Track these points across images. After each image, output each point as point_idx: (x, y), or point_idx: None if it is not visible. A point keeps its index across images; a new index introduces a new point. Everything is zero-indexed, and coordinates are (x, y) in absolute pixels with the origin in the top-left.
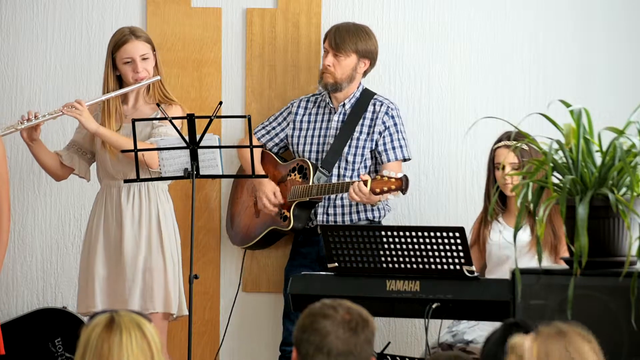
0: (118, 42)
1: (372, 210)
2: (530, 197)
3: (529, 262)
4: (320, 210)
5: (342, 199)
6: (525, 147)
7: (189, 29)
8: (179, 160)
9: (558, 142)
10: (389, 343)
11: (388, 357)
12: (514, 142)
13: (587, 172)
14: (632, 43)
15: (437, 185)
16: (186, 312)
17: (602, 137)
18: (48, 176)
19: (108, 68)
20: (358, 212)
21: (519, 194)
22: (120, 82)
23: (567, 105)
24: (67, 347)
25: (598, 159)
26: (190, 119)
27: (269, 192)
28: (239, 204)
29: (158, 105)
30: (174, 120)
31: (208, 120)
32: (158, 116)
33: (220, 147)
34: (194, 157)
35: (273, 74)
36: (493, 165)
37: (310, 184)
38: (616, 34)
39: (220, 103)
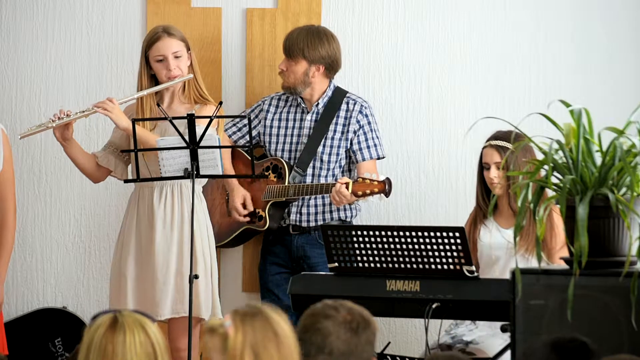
0: (151, 39)
1: (345, 210)
2: (530, 197)
3: (519, 264)
4: (293, 209)
5: (315, 198)
6: (509, 146)
7: (189, 29)
8: (179, 160)
9: (558, 142)
10: (389, 343)
11: (388, 357)
12: (499, 142)
13: (587, 172)
14: (632, 43)
15: (437, 185)
16: (220, 316)
17: (602, 137)
18: (48, 176)
19: (142, 67)
20: (331, 211)
21: (519, 195)
22: (155, 81)
23: (567, 105)
24: (67, 347)
25: (598, 159)
26: (190, 119)
27: (238, 204)
28: (209, 202)
29: (158, 105)
30: (205, 120)
31: (208, 120)
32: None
33: (220, 147)
34: (194, 157)
35: (273, 74)
36: (481, 166)
37: (286, 183)
38: (616, 34)
39: (220, 103)
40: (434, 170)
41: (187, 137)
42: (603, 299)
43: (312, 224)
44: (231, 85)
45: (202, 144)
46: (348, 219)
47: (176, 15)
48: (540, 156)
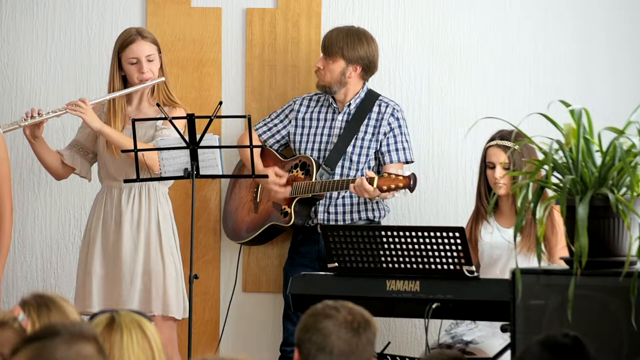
0: (124, 42)
1: (373, 210)
2: (530, 197)
3: (520, 263)
4: (320, 208)
5: (343, 197)
6: (516, 147)
7: (189, 29)
8: (179, 160)
9: (558, 142)
10: (389, 343)
11: (388, 357)
12: (505, 142)
13: (587, 172)
14: (632, 43)
15: (437, 185)
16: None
17: (602, 137)
18: (48, 176)
19: (114, 68)
20: (359, 211)
21: (519, 194)
22: (126, 82)
23: (567, 105)
24: None
25: (598, 159)
26: (190, 119)
27: (271, 174)
28: (236, 199)
29: (158, 105)
30: (175, 121)
31: (208, 120)
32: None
33: (220, 147)
34: (194, 157)
35: (273, 74)
36: (485, 164)
37: (313, 180)
38: (616, 34)
39: (220, 103)
40: (434, 170)
41: (183, 138)
42: (603, 299)
43: (340, 223)
44: (231, 85)
45: (202, 144)
46: (376, 219)
47: (176, 15)
48: (541, 157)
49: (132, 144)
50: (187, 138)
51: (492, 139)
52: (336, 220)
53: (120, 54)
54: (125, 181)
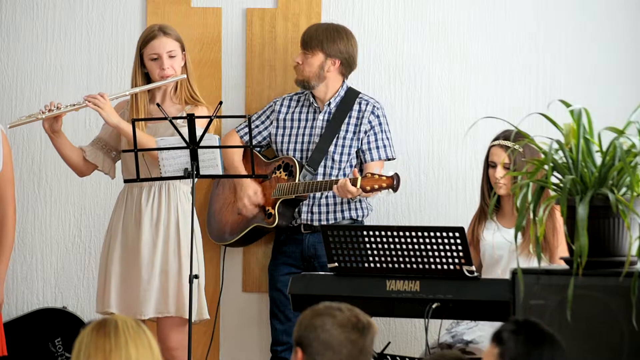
0: (146, 38)
1: (356, 209)
2: (529, 197)
3: (522, 264)
4: (304, 208)
5: (326, 197)
6: (516, 147)
7: (189, 29)
8: (179, 160)
9: (558, 142)
10: (389, 343)
11: (388, 357)
12: (508, 142)
13: (587, 172)
14: (632, 43)
15: (437, 185)
16: (207, 316)
17: (602, 137)
18: (48, 176)
19: (136, 65)
20: (342, 210)
21: (518, 195)
22: (148, 80)
23: (567, 105)
24: (67, 347)
25: (598, 159)
26: (190, 119)
27: (250, 191)
28: (220, 201)
29: (158, 105)
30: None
31: (208, 120)
32: (180, 115)
33: (220, 147)
34: (194, 157)
35: (273, 74)
36: (488, 163)
37: (297, 181)
38: (616, 33)
39: (220, 103)
40: (434, 170)
41: (186, 137)
42: (603, 299)
43: (324, 222)
44: (231, 85)
45: (202, 144)
46: (359, 219)
47: (176, 15)
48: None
49: (149, 141)
50: (196, 136)
51: (496, 139)
52: (319, 220)
53: (142, 50)
54: (125, 181)
